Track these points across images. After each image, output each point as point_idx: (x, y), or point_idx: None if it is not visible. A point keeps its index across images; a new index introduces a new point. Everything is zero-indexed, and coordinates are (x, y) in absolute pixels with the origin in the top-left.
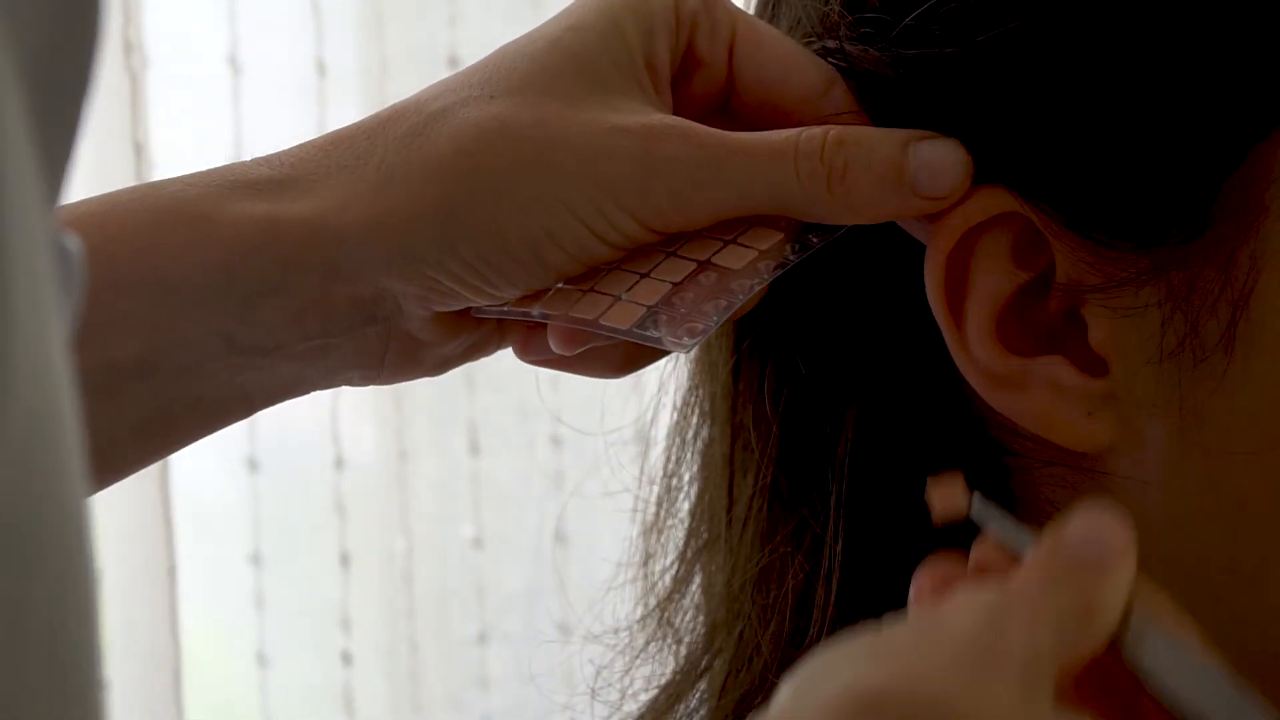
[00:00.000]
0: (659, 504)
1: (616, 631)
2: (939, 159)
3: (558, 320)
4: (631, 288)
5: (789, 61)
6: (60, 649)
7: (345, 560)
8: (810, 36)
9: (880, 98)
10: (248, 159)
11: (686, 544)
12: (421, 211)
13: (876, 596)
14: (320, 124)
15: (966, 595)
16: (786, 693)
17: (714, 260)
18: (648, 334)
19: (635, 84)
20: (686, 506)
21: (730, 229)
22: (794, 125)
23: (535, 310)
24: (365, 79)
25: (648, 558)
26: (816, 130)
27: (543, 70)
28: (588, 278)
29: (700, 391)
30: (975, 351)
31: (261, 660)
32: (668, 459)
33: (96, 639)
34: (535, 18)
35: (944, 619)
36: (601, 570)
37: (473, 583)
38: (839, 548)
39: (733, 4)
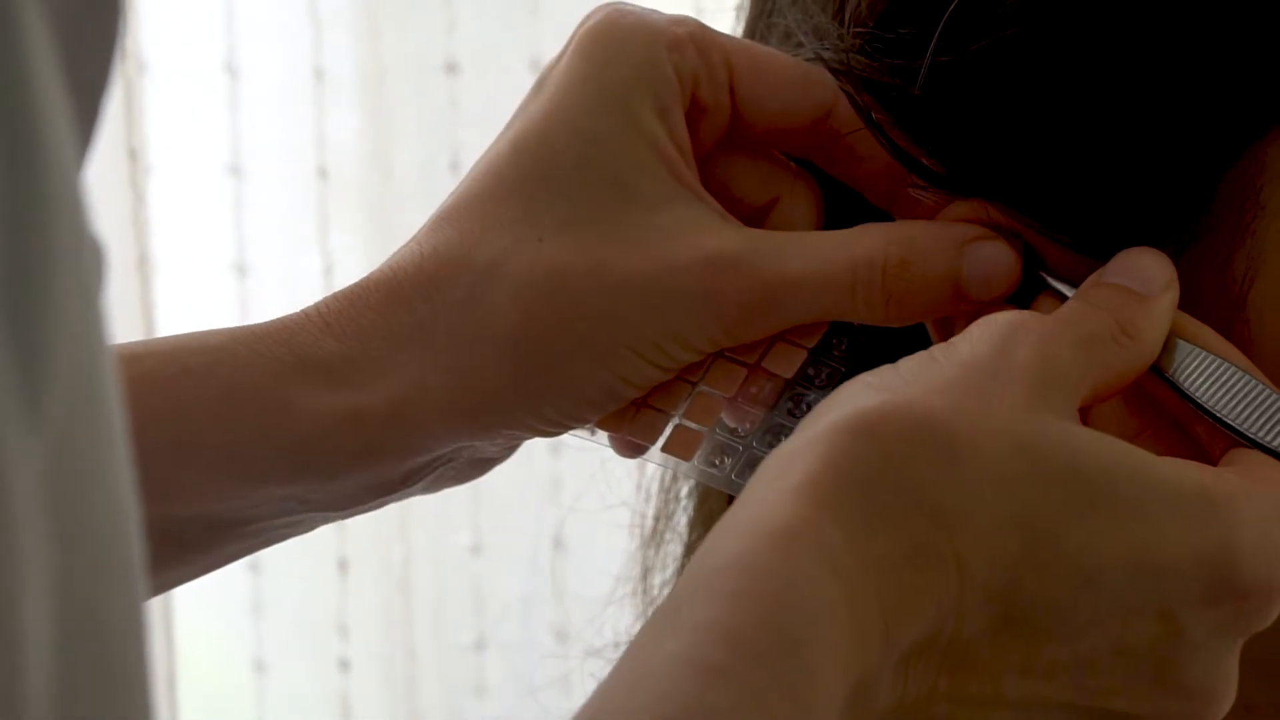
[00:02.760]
0: (657, 518)
1: (617, 645)
2: (992, 264)
3: (617, 439)
4: (685, 405)
5: (790, 85)
6: (97, 629)
7: (343, 567)
8: (803, 47)
9: (882, 104)
10: (301, 326)
11: (685, 557)
12: (500, 389)
13: None
14: (318, 129)
15: (981, 321)
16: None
17: (764, 365)
18: (713, 473)
19: (669, 180)
20: (685, 520)
21: None
22: (801, 144)
23: (594, 431)
24: (362, 85)
25: (646, 571)
26: (876, 253)
27: (582, 200)
28: None
29: None
30: None
31: (258, 667)
32: (666, 471)
33: (140, 627)
34: (532, 24)
35: (955, 345)
36: (598, 578)
37: (470, 590)
38: None
39: (723, 37)
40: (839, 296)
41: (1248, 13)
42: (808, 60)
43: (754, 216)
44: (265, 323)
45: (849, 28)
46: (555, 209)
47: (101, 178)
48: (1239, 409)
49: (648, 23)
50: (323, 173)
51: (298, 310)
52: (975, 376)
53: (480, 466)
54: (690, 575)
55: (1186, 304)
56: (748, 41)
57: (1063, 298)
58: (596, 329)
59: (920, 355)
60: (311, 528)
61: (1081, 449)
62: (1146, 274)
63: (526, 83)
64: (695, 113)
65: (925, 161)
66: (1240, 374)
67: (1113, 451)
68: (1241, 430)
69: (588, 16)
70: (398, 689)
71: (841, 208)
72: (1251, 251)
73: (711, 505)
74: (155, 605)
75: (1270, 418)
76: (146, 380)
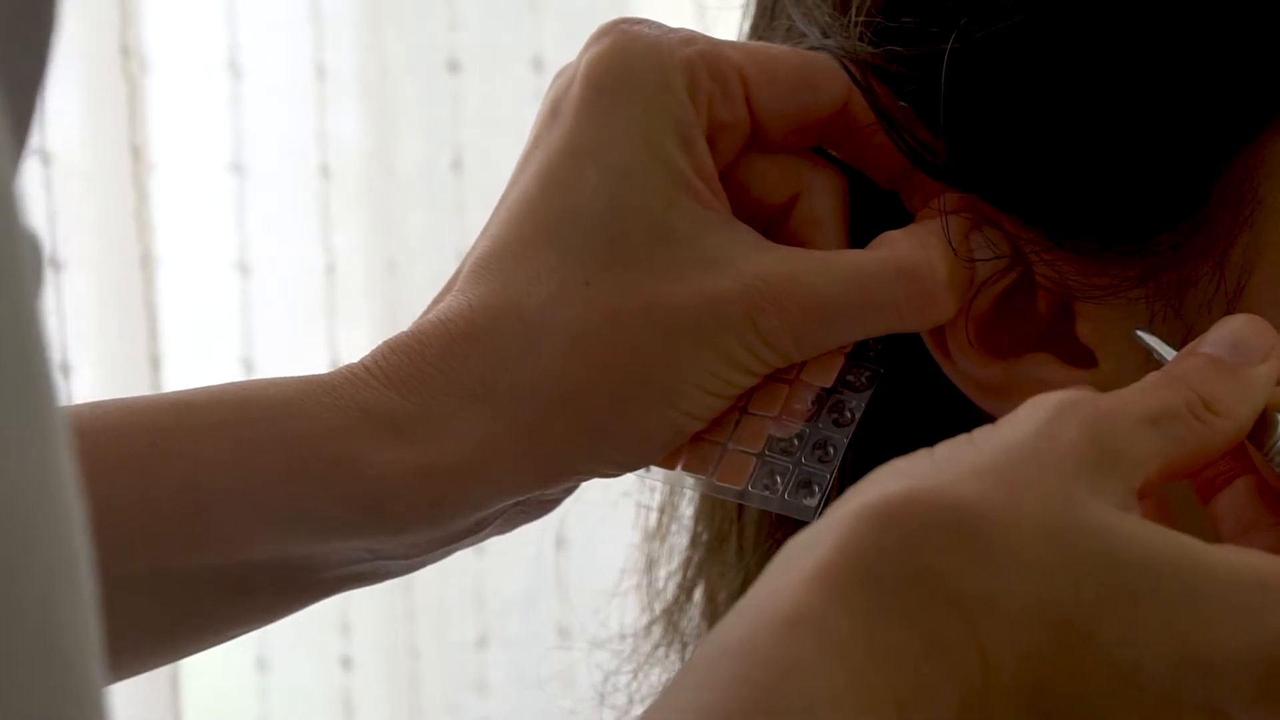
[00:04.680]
0: (662, 510)
1: (622, 637)
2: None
3: (672, 476)
4: (735, 430)
5: (805, 86)
6: (51, 641)
7: None
8: (806, 38)
9: (891, 89)
10: (361, 379)
11: (691, 549)
12: (568, 441)
13: None
14: (320, 127)
15: (1031, 401)
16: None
17: (803, 377)
18: (767, 495)
19: (699, 209)
20: (690, 512)
21: None
22: (818, 138)
23: (649, 469)
24: (365, 83)
25: (651, 564)
26: (920, 268)
27: (620, 239)
28: None
29: None
30: (959, 363)
31: (261, 665)
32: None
33: (89, 627)
34: (534, 22)
35: (999, 427)
36: (600, 574)
37: (472, 587)
38: None
39: (733, 49)
40: (882, 319)
41: (1247, 8)
42: (813, 49)
43: (778, 214)
44: (327, 375)
45: (854, 18)
46: (596, 250)
47: (104, 175)
48: None
49: (658, 48)
50: (325, 171)
51: (354, 362)
52: (1012, 461)
53: (546, 506)
54: (695, 659)
55: (1181, 298)
56: (756, 46)
57: (1158, 361)
58: (658, 370)
59: (959, 439)
60: (381, 578)
61: (1121, 538)
62: (1240, 342)
63: (529, 81)
64: (714, 131)
65: (928, 156)
66: None
67: (1157, 540)
68: None
69: (596, 36)
70: (400, 686)
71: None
72: (1249, 245)
73: (715, 497)
74: None
75: None
76: (217, 430)
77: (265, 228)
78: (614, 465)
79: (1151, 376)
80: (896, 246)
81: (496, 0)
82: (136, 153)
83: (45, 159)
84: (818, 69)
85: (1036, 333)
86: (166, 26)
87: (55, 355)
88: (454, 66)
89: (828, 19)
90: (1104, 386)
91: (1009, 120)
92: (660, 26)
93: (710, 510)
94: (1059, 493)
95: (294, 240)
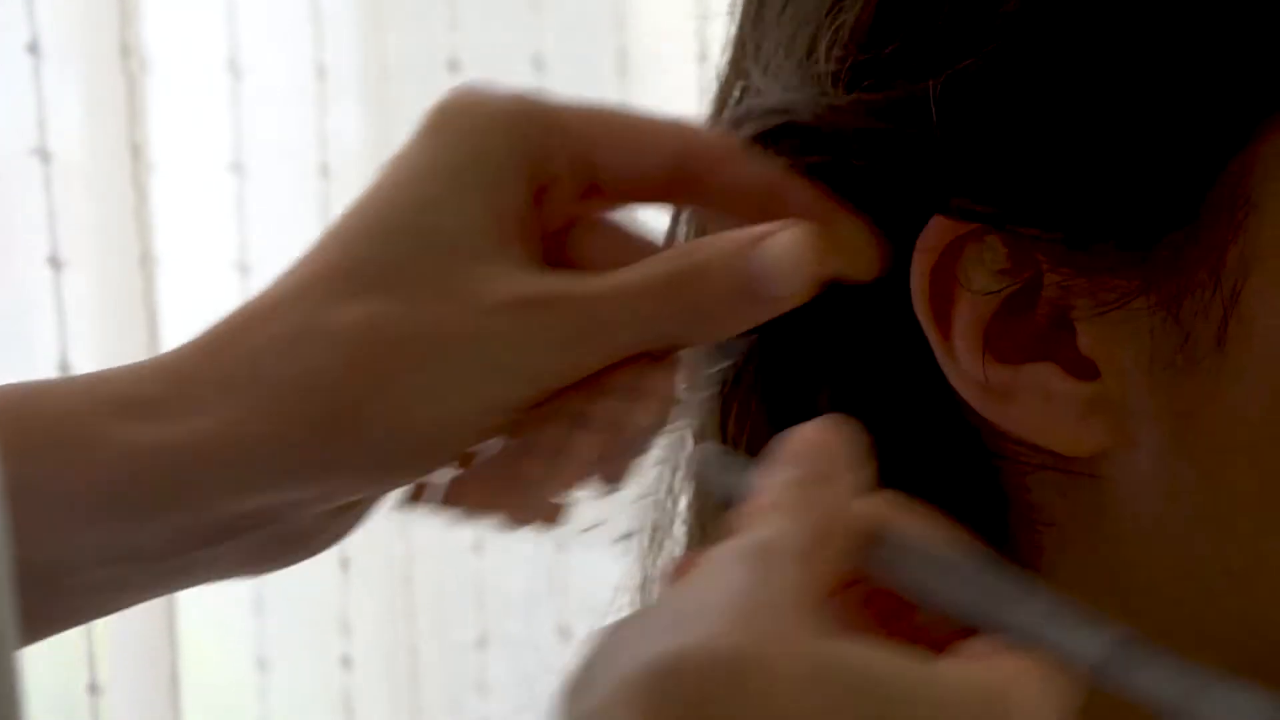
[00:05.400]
0: (655, 529)
1: None
2: (781, 259)
3: (460, 512)
4: (545, 473)
5: (639, 143)
6: None
7: (345, 564)
8: (789, 90)
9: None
10: (128, 371)
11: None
12: (319, 422)
13: None
14: (320, 127)
15: (718, 550)
16: (576, 679)
17: (621, 422)
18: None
19: (497, 243)
20: (682, 531)
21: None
22: (665, 194)
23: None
24: (365, 82)
25: (645, 581)
26: (669, 269)
27: (409, 257)
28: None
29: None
30: (964, 363)
31: (261, 664)
32: (661, 482)
33: (6, 610)
34: (534, 22)
35: (705, 578)
36: (601, 574)
37: (472, 587)
38: None
39: (565, 110)
40: (643, 316)
41: (1238, 10)
42: (774, 106)
43: None
44: (105, 370)
45: (824, 64)
46: (380, 262)
47: (104, 175)
48: (959, 593)
49: (488, 100)
50: (325, 170)
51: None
52: (751, 608)
53: (306, 540)
54: None
55: (1179, 304)
56: (593, 108)
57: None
58: (421, 368)
59: (680, 592)
60: (132, 597)
61: (862, 667)
62: (819, 453)
63: (529, 80)
64: (536, 186)
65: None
66: (952, 556)
67: (894, 665)
68: (972, 618)
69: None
70: (400, 686)
71: None
72: (1245, 249)
73: (703, 503)
74: (158, 603)
75: (992, 598)
76: None
77: (265, 228)
78: (365, 470)
79: (776, 510)
80: (661, 255)
81: (496, 0)
82: (136, 152)
83: (45, 158)
84: (654, 124)
85: (1034, 340)
86: (166, 26)
87: (55, 355)
88: (454, 66)
89: (791, 71)
90: (1107, 400)
91: (998, 128)
92: (497, 88)
93: (700, 513)
94: (801, 630)
95: (294, 240)
